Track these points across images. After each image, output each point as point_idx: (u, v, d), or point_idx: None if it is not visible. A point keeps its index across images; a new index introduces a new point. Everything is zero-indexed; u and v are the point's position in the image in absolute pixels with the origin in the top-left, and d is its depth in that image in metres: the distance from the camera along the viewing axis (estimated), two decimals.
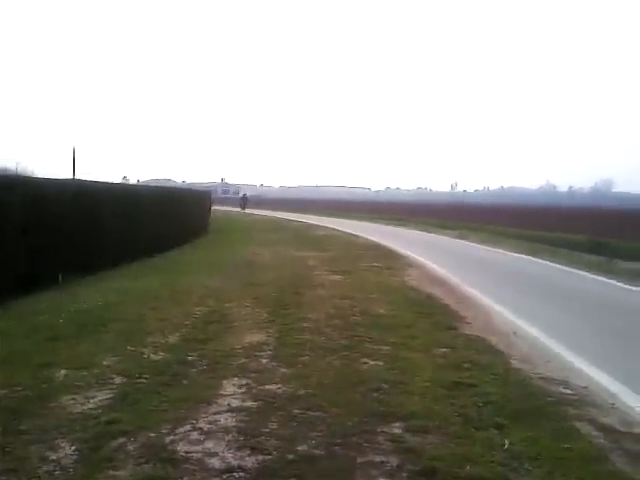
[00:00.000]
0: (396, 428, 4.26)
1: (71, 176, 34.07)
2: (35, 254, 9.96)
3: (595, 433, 4.32)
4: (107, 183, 15.66)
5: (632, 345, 7.22)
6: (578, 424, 4.46)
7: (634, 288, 11.89)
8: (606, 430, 4.39)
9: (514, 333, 7.52)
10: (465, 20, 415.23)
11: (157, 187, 23.35)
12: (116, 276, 11.92)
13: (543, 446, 3.98)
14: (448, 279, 12.48)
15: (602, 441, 4.18)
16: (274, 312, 8.32)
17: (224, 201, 70.73)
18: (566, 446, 3.99)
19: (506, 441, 4.02)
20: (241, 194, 69.96)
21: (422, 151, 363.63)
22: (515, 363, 6.11)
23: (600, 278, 13.34)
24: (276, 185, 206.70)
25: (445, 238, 26.41)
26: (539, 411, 4.65)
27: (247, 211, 54.78)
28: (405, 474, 3.59)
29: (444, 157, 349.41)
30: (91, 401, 4.73)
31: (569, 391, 5.28)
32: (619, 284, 12.44)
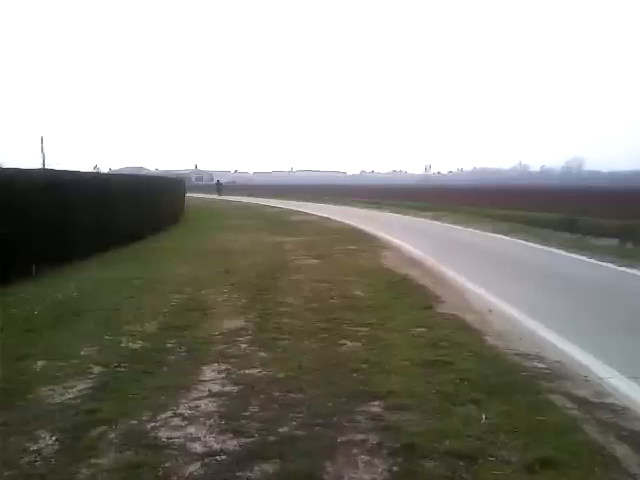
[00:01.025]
0: (375, 407, 4.33)
1: (40, 166, 33.43)
2: (6, 246, 9.80)
3: (569, 405, 4.44)
4: (78, 172, 15.37)
5: (603, 320, 7.39)
6: (552, 397, 4.57)
7: (604, 264, 12.15)
8: (579, 402, 4.51)
9: (489, 311, 7.65)
10: (439, 3, 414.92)
11: (129, 175, 23.07)
12: (90, 266, 11.80)
13: (519, 419, 4.08)
14: (423, 260, 12.60)
15: (575, 412, 4.30)
16: (252, 298, 8.33)
17: (198, 188, 70.26)
18: (541, 418, 4.10)
19: (483, 416, 4.12)
20: (215, 180, 69.82)
21: (396, 134, 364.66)
22: (490, 340, 6.22)
23: (572, 255, 13.60)
24: (251, 171, 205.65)
25: (420, 220, 26.60)
26: (514, 386, 4.75)
27: (222, 197, 54.65)
28: (385, 451, 3.65)
29: (418, 139, 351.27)
30: (70, 391, 4.71)
31: (543, 365, 5.40)
32: (591, 260, 12.69)
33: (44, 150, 40.23)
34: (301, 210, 32.88)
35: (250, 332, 6.50)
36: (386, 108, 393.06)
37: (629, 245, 15.07)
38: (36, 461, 3.56)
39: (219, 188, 59.65)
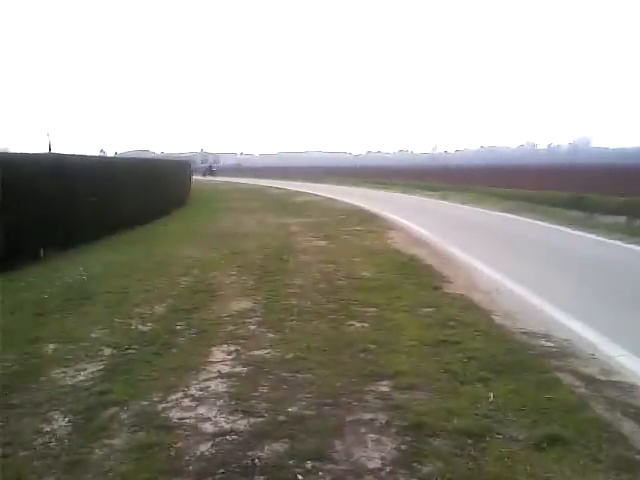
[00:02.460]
0: (384, 387, 4.36)
1: (47, 151, 33.47)
2: (14, 230, 9.86)
3: (576, 383, 4.45)
4: (84, 156, 15.40)
5: (607, 296, 7.38)
6: (560, 375, 4.59)
7: (610, 241, 12.10)
8: (587, 379, 4.53)
9: (496, 290, 7.65)
10: None
11: (135, 159, 23.10)
12: (98, 249, 11.87)
13: (527, 397, 4.10)
14: (431, 240, 12.59)
15: (583, 390, 4.31)
16: (260, 279, 8.37)
17: (216, 172, 70.30)
18: (549, 396, 4.11)
19: (491, 394, 4.14)
20: (206, 164, 69.85)
21: (402, 113, 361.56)
22: (498, 319, 6.23)
23: (578, 233, 13.55)
24: (256, 153, 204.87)
25: (427, 199, 26.53)
26: (522, 364, 4.76)
27: (227, 179, 54.84)
28: (393, 430, 3.69)
29: (424, 119, 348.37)
30: (82, 373, 4.77)
31: (551, 344, 5.41)
32: (599, 238, 12.65)
33: (50, 135, 40.13)
34: (307, 191, 32.83)
35: (258, 313, 6.54)
36: (392, 87, 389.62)
37: (637, 222, 14.96)
38: (50, 442, 3.62)
39: (211, 172, 59.95)
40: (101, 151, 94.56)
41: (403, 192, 32.13)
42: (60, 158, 13.16)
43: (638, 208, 15.49)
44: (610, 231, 13.53)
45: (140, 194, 17.41)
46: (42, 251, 10.45)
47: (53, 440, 3.64)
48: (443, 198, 26.29)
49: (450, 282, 8.14)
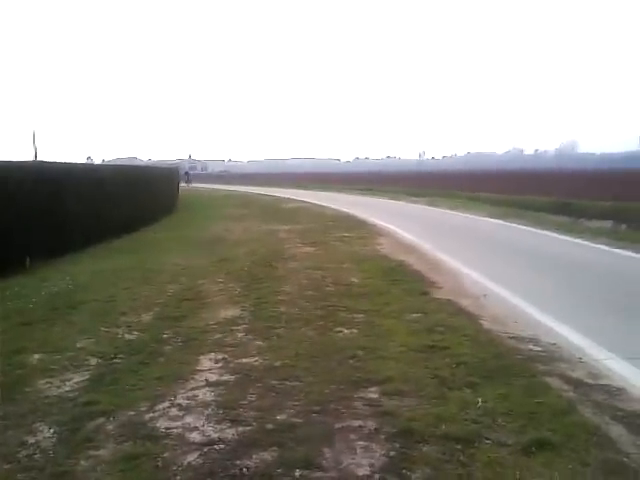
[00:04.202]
0: (372, 393, 4.35)
1: (32, 159, 33.23)
2: (0, 238, 9.75)
3: (564, 387, 4.46)
4: (70, 164, 15.29)
5: (595, 301, 7.42)
6: (548, 379, 4.60)
7: (596, 245, 12.20)
8: (575, 383, 4.54)
9: (484, 295, 7.67)
10: None
11: (122, 166, 23.01)
12: (84, 258, 11.77)
13: (515, 402, 4.10)
14: (419, 246, 12.61)
15: (571, 394, 4.33)
16: (248, 286, 8.33)
17: (192, 178, 69.87)
18: (537, 401, 4.12)
19: (479, 399, 4.14)
20: (184, 170, 69.18)
21: (390, 120, 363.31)
22: (485, 324, 6.24)
23: (565, 237, 13.64)
24: (244, 160, 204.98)
25: (415, 206, 26.62)
26: (510, 369, 4.77)
27: (216, 187, 54.63)
28: (383, 436, 3.67)
29: (412, 125, 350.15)
30: (67, 384, 4.71)
31: (538, 348, 5.43)
32: (585, 243, 12.74)
33: (36, 142, 39.91)
34: (295, 198, 32.81)
35: (246, 321, 6.51)
36: (379, 94, 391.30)
37: (623, 227, 15.10)
38: (34, 454, 3.56)
39: (188, 179, 59.46)
40: (88, 158, 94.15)
41: (391, 198, 32.22)
42: (46, 166, 13.05)
43: (623, 213, 15.64)
44: (595, 235, 13.63)
45: (128, 201, 17.30)
46: (28, 260, 10.33)
47: (37, 452, 3.58)
48: (431, 204, 26.39)
49: (438, 287, 8.15)
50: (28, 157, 37.52)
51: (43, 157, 36.45)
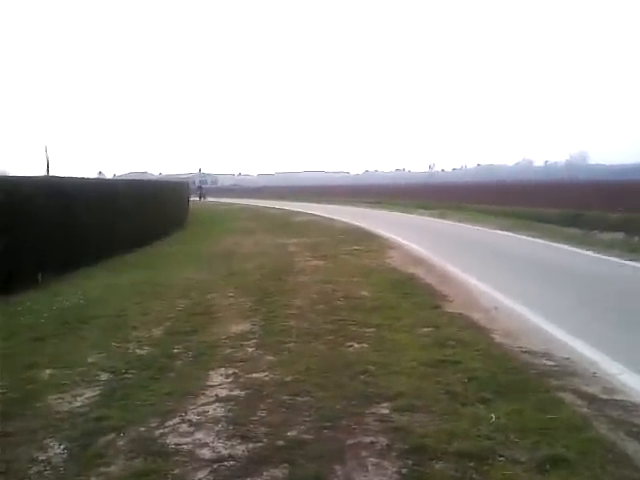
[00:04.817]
0: (384, 409, 4.31)
1: (44, 173, 33.58)
2: (12, 253, 9.82)
3: (578, 402, 4.40)
4: (82, 179, 15.42)
5: (608, 315, 7.33)
6: (562, 394, 4.54)
7: (608, 258, 12.09)
8: (589, 399, 4.47)
9: (495, 308, 7.61)
10: (439, 2, 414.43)
11: (133, 180, 23.15)
12: (96, 272, 11.82)
13: (528, 418, 4.05)
14: (429, 259, 12.57)
15: (585, 410, 4.26)
16: (258, 301, 8.33)
17: (205, 192, 70.23)
18: (551, 416, 4.06)
19: (492, 415, 4.09)
20: (197, 184, 68.61)
21: (399, 133, 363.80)
22: (497, 338, 6.19)
23: (577, 250, 13.54)
24: (254, 173, 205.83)
25: (425, 218, 26.57)
26: (523, 384, 4.72)
27: (226, 200, 54.69)
28: (394, 453, 3.63)
29: (421, 138, 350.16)
30: (78, 399, 4.71)
31: (551, 363, 5.37)
32: (596, 255, 12.63)
33: (48, 157, 40.33)
34: (305, 211, 32.86)
35: (256, 335, 6.50)
36: (388, 107, 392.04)
37: (635, 239, 14.95)
38: (45, 470, 3.55)
39: (201, 193, 58.71)
40: (99, 173, 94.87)
41: (401, 211, 32.19)
42: (58, 181, 13.16)
43: (635, 224, 15.49)
44: (608, 247, 13.51)
45: (139, 216, 17.40)
46: (40, 275, 10.39)
47: (48, 468, 3.57)
48: (441, 217, 26.33)
49: (449, 301, 8.11)
50: (40, 172, 37.92)
51: (55, 172, 36.87)
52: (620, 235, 15.43)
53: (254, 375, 5.15)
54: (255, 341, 6.26)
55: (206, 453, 3.71)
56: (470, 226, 21.29)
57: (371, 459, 3.57)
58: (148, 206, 18.87)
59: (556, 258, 12.76)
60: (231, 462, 3.58)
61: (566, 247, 14.20)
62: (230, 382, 5.01)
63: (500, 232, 18.68)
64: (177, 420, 4.23)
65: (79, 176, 15.49)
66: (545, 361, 5.42)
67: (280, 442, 3.80)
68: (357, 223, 22.79)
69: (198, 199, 56.14)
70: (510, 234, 17.88)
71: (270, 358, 5.63)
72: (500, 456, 3.54)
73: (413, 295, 8.49)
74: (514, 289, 8.84)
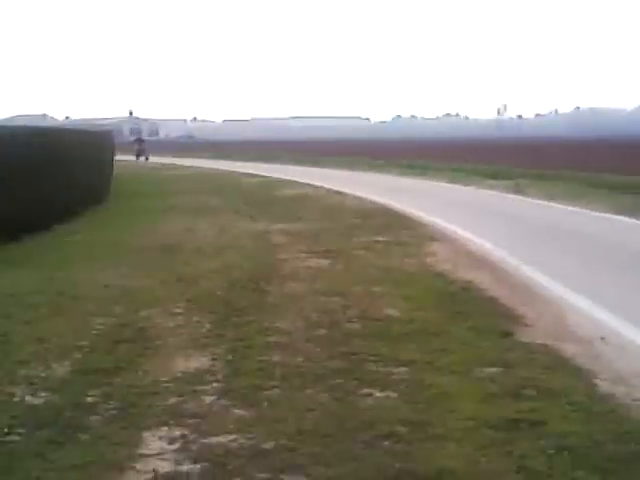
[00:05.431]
0: None
1: None
2: None
3: None
4: None
5: None
6: None
7: None
8: None
9: (602, 339, 7.62)
10: None
11: (21, 128, 22.96)
12: None
13: None
14: (496, 258, 12.58)
15: None
16: (221, 321, 8.35)
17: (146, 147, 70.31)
18: None
19: None
20: (134, 137, 68.26)
21: (451, 60, 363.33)
22: (604, 385, 6.19)
23: None
24: (218, 119, 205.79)
25: (491, 193, 26.56)
26: None
27: (172, 161, 54.68)
28: None
29: (486, 69, 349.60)
30: None
31: None
32: None
33: None
34: (299, 180, 32.87)
35: (219, 377, 6.50)
36: (427, 23, 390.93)
37: None
38: None
39: (140, 149, 58.41)
40: None
41: (452, 181, 32.15)
42: None
43: None
44: None
45: (25, 184, 17.24)
46: None
47: None
48: (518, 191, 26.22)
49: (528, 325, 8.12)
50: None
51: None
52: None
53: (214, 440, 5.16)
54: (216, 385, 6.27)
55: None
56: (565, 207, 21.22)
57: None
58: (42, 169, 18.71)
59: None
60: None
61: None
62: (176, 450, 5.02)
63: (615, 217, 18.62)
64: None
65: None
66: None
67: None
68: (381, 199, 22.78)
69: (135, 158, 56.11)
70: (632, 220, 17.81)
71: (240, 413, 5.65)
72: None
73: (469, 315, 8.50)
74: (632, 308, 8.81)
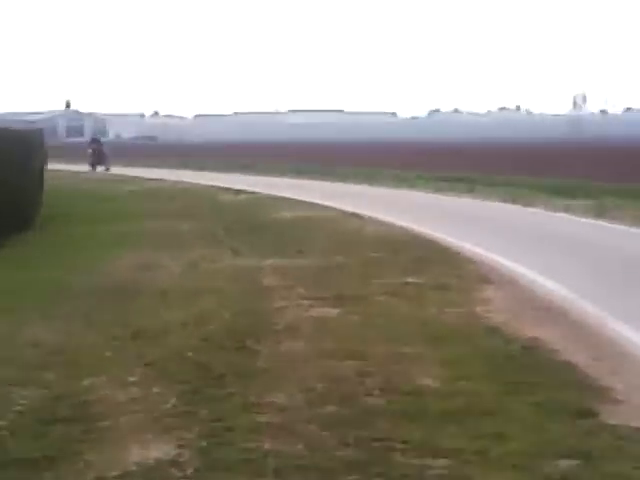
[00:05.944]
0: None
1: None
2: None
3: None
4: None
5: None
6: None
7: None
8: None
9: None
10: None
11: None
12: None
13: None
14: (571, 307, 12.55)
15: None
16: (193, 394, 8.34)
17: (75, 150, 70.65)
18: None
19: None
20: (90, 137, 69.17)
21: (508, 42, 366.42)
22: None
23: None
24: (187, 114, 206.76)
25: (564, 216, 26.57)
26: None
27: (117, 171, 55.22)
28: None
29: (557, 49, 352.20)
30: None
31: None
32: None
33: None
34: (298, 198, 32.98)
35: (189, 471, 6.47)
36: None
37: None
38: None
39: (97, 153, 59.06)
40: None
41: (512, 200, 32.17)
42: None
43: None
44: None
45: None
46: None
47: None
48: (599, 214, 26.24)
49: (616, 400, 8.10)
50: None
51: None
52: None
53: None
54: None
55: None
56: None
57: None
58: None
59: None
60: None
61: None
62: None
63: None
64: None
65: None
66: None
67: None
68: (412, 225, 22.81)
69: (90, 167, 56.58)
70: None
71: None
72: None
73: (534, 387, 8.48)
74: None
